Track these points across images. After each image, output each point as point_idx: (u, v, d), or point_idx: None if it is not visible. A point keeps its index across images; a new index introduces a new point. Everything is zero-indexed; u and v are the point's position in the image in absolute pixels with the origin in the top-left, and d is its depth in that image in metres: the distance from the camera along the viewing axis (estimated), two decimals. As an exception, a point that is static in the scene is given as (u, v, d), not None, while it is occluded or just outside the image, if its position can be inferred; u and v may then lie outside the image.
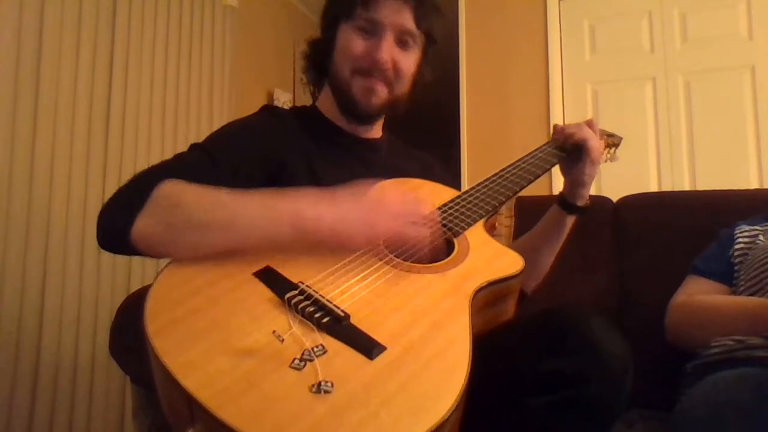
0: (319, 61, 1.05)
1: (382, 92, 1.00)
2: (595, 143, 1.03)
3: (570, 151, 1.05)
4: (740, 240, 1.18)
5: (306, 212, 0.73)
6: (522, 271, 0.82)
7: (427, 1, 0.99)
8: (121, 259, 2.03)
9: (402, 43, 0.99)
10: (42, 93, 1.85)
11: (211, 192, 0.78)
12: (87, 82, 2.01)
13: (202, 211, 0.75)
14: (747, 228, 1.20)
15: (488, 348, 0.69)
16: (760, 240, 1.15)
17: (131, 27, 2.18)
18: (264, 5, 3.19)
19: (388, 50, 0.97)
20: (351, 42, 0.98)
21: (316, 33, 1.08)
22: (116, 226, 0.77)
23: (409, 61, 1.01)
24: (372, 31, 0.97)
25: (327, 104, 1.06)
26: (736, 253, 1.17)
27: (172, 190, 0.78)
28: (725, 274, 1.16)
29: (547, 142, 1.09)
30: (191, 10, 2.47)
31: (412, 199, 0.82)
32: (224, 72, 2.67)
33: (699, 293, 1.15)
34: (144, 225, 0.75)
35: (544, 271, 1.11)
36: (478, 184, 0.98)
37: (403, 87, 1.02)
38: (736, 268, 1.16)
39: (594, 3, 2.88)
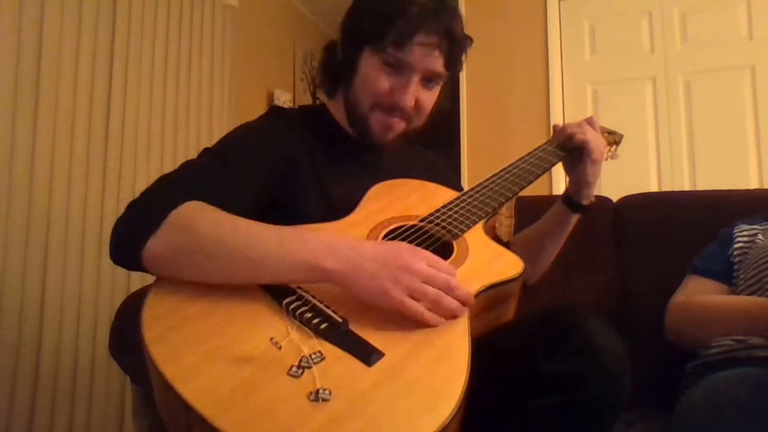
0: (335, 73, 1.02)
1: (399, 128, 0.98)
2: (597, 143, 1.03)
3: (571, 150, 1.05)
4: (739, 239, 1.18)
5: (326, 264, 0.70)
6: (522, 274, 0.82)
7: (460, 42, 0.95)
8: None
9: (427, 82, 0.96)
10: (42, 93, 1.84)
11: (227, 222, 0.75)
12: (87, 82, 2.00)
13: (215, 244, 0.72)
14: (746, 227, 1.20)
15: (488, 350, 0.69)
16: (759, 239, 1.15)
17: (131, 27, 2.17)
18: (264, 5, 3.19)
19: (413, 93, 0.94)
20: (376, 77, 0.94)
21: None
22: (129, 246, 0.75)
23: (431, 99, 0.98)
24: (399, 69, 0.93)
25: (337, 110, 1.04)
26: (735, 253, 1.17)
27: (188, 215, 0.75)
28: (725, 274, 1.16)
29: (548, 141, 1.09)
30: (191, 10, 2.47)
31: (443, 277, 0.71)
32: (224, 72, 2.66)
33: (699, 293, 1.15)
34: (156, 248, 0.73)
35: (547, 264, 1.14)
36: (478, 185, 0.98)
37: (421, 121, 1.00)
38: (735, 267, 1.16)
39: (594, 3, 2.87)
